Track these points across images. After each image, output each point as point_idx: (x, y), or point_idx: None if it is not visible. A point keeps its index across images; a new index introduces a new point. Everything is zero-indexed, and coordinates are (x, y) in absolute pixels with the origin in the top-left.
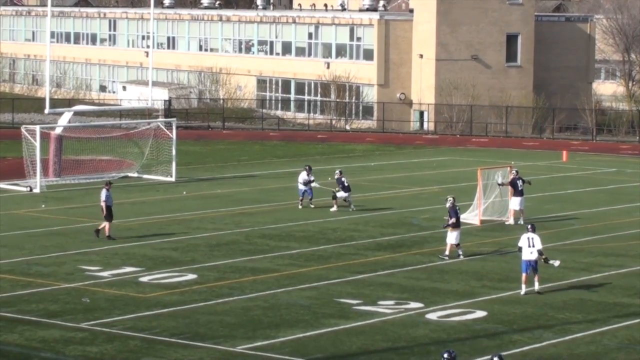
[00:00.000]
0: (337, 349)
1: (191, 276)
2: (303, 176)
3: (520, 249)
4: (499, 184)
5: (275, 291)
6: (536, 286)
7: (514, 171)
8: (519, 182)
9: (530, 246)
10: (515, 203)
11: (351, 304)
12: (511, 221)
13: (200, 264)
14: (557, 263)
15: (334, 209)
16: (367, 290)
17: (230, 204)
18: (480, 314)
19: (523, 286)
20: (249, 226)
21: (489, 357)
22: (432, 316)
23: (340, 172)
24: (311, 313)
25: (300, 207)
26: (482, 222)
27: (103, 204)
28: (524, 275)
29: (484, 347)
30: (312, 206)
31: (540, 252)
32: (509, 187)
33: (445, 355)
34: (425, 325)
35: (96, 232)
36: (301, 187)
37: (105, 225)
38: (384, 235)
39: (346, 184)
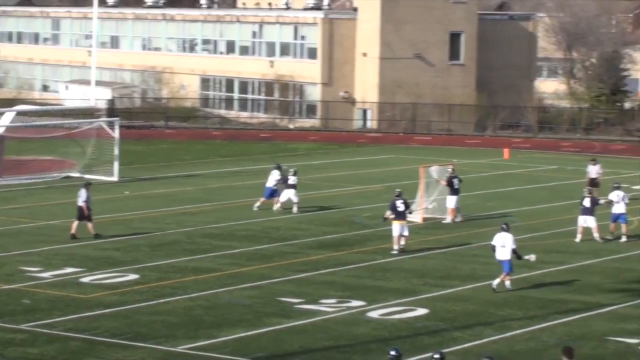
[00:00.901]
0: (278, 348)
1: (133, 276)
2: (275, 175)
3: (493, 247)
4: (435, 179)
5: (217, 291)
6: (494, 283)
7: (450, 169)
8: (455, 181)
9: (502, 246)
10: (451, 202)
11: (293, 302)
12: (449, 220)
13: (142, 264)
14: (533, 258)
15: (295, 209)
16: (309, 289)
17: (173, 203)
18: (421, 311)
19: (507, 282)
20: (191, 226)
21: (430, 354)
22: (374, 314)
23: (295, 172)
24: (253, 312)
25: (275, 208)
26: (424, 219)
27: (84, 204)
28: (504, 274)
29: (425, 345)
30: (282, 209)
31: (514, 251)
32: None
33: (436, 356)
34: (367, 324)
35: (72, 236)
36: (270, 186)
37: (75, 224)
38: (327, 233)
39: (290, 182)
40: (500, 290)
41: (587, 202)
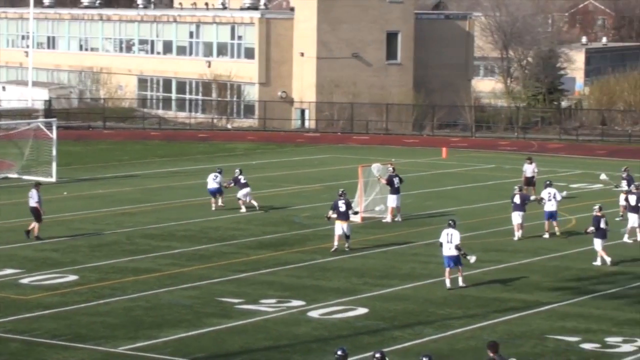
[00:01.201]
0: (219, 348)
1: (72, 277)
2: (218, 179)
3: (440, 244)
4: (376, 177)
5: (157, 291)
6: (460, 281)
7: (391, 168)
8: (396, 180)
9: (449, 242)
10: (392, 201)
11: (233, 303)
12: (388, 219)
13: (82, 265)
14: (473, 259)
15: (243, 210)
16: (249, 289)
17: (112, 204)
18: (361, 310)
19: (447, 280)
20: (130, 226)
21: (371, 353)
22: (314, 314)
23: (240, 171)
24: (193, 312)
25: (213, 208)
26: (363, 219)
27: (37, 205)
28: (447, 269)
29: (365, 344)
30: (223, 205)
31: (457, 248)
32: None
33: (377, 355)
34: (307, 323)
35: (27, 232)
36: (214, 186)
37: (34, 225)
38: (266, 233)
39: (243, 181)
40: (456, 287)
41: (517, 199)
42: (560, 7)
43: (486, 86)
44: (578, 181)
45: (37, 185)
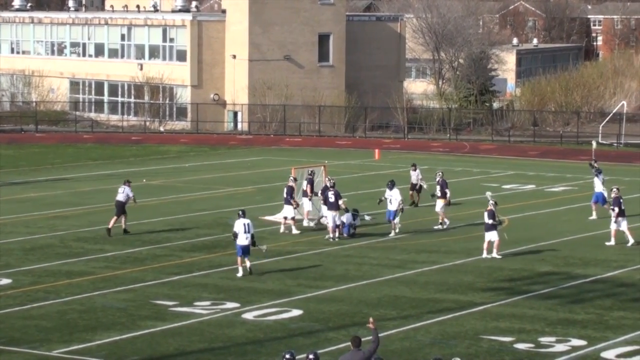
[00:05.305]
0: (154, 351)
1: (5, 281)
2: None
3: (236, 234)
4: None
5: (90, 294)
6: (247, 264)
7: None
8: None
9: (246, 232)
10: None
11: (167, 305)
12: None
13: (15, 269)
14: (264, 248)
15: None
16: (183, 292)
17: (44, 207)
18: (296, 312)
19: (240, 268)
20: (63, 229)
21: (305, 355)
22: (249, 316)
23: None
24: (127, 315)
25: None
26: (296, 221)
27: (124, 199)
28: (239, 258)
29: (300, 346)
30: None
31: (252, 237)
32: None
33: (311, 357)
34: (242, 325)
35: (108, 230)
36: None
37: (122, 219)
38: (200, 236)
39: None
40: (246, 274)
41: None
42: (490, 8)
43: (418, 88)
44: (510, 182)
45: (128, 181)
